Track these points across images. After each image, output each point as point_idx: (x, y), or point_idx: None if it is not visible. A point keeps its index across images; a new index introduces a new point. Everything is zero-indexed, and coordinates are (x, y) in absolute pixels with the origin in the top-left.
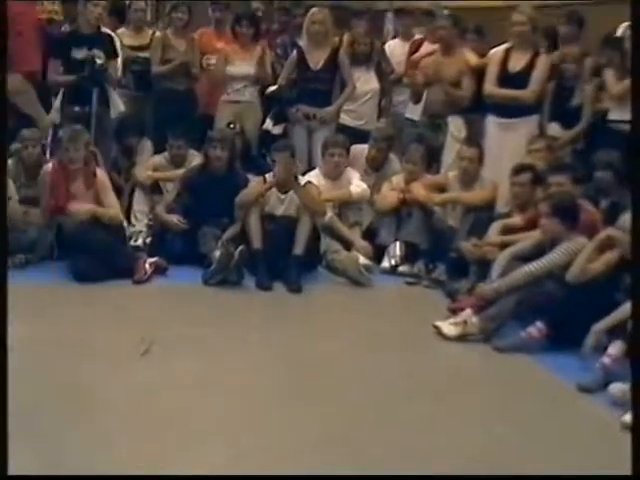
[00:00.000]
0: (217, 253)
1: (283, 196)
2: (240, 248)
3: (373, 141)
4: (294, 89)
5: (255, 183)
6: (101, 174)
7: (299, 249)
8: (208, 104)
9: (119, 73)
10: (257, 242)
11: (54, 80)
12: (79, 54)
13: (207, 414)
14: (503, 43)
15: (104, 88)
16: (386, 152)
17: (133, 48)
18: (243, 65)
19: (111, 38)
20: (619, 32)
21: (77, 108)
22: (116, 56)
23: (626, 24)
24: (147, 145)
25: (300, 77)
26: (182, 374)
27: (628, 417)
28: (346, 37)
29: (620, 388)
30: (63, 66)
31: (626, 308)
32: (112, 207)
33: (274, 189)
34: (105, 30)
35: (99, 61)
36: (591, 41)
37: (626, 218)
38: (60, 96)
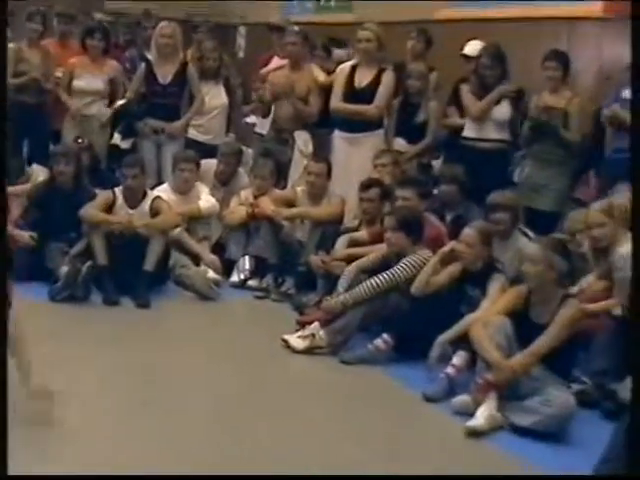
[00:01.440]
0: (64, 269)
1: (132, 211)
2: (87, 264)
3: (221, 156)
4: (142, 103)
5: (101, 197)
6: None
7: (149, 265)
8: (56, 119)
9: None
10: (102, 258)
11: None
12: None
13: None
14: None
15: None
16: (234, 167)
17: None
18: (92, 79)
19: None
20: (467, 50)
21: None
22: None
23: (474, 42)
24: None
25: (149, 91)
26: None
27: (472, 422)
28: (191, 51)
29: (462, 400)
30: None
31: (468, 319)
32: None
33: (123, 204)
34: None
35: None
36: (437, 58)
37: (467, 231)
38: None
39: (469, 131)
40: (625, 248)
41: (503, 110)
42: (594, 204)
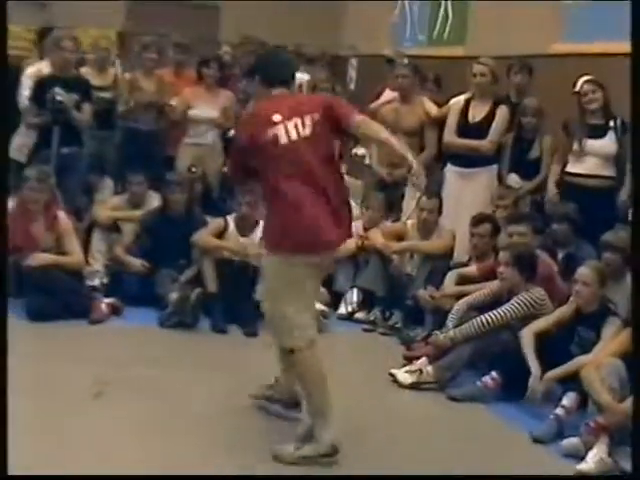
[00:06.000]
0: (174, 295)
1: (243, 239)
2: (196, 291)
3: None
4: None
5: (213, 224)
6: (63, 218)
7: (260, 294)
8: (170, 146)
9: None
10: (212, 285)
11: (27, 122)
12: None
13: (160, 456)
14: (461, 93)
15: (70, 127)
16: None
17: (95, 88)
18: (206, 108)
19: (87, 82)
20: (578, 87)
21: (66, 150)
22: (90, 99)
23: (585, 78)
24: (108, 184)
25: None
26: (136, 415)
27: (583, 466)
28: (306, 83)
29: (572, 442)
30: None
31: (579, 360)
32: (74, 254)
33: (235, 231)
34: (82, 74)
35: (59, 98)
36: (545, 93)
37: (583, 270)
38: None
39: (572, 166)
40: None
41: (608, 144)
42: None
